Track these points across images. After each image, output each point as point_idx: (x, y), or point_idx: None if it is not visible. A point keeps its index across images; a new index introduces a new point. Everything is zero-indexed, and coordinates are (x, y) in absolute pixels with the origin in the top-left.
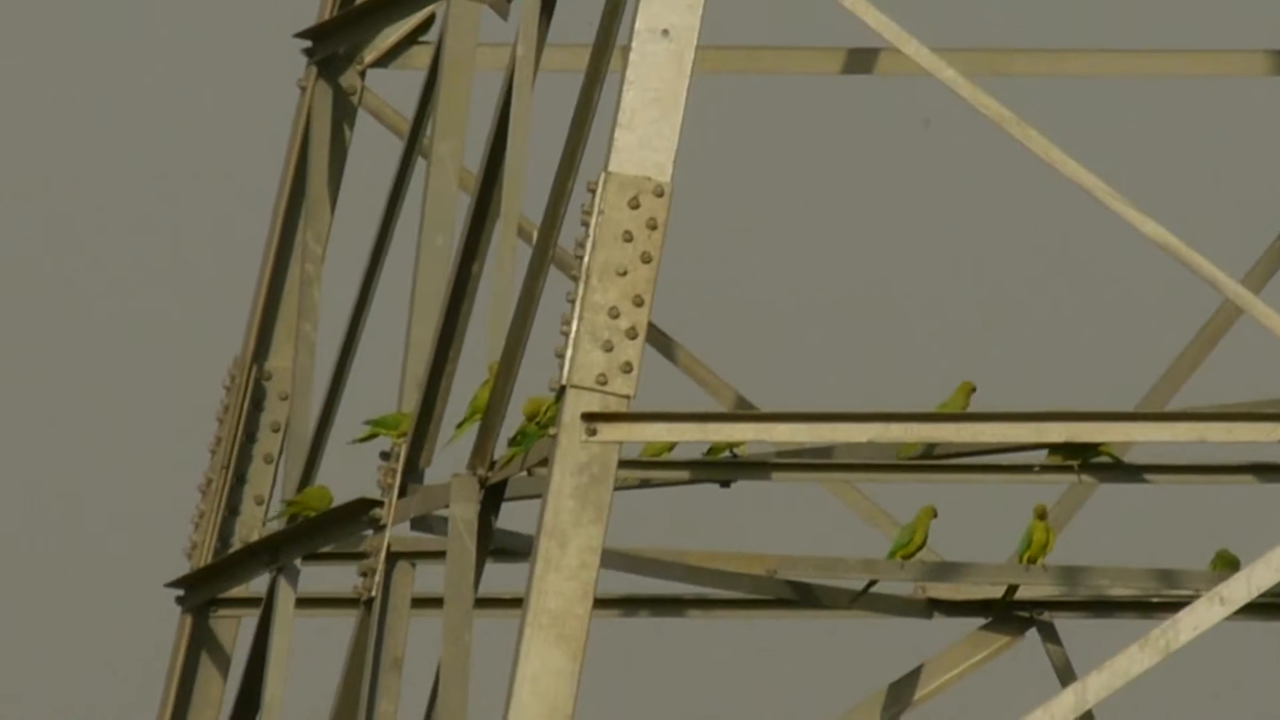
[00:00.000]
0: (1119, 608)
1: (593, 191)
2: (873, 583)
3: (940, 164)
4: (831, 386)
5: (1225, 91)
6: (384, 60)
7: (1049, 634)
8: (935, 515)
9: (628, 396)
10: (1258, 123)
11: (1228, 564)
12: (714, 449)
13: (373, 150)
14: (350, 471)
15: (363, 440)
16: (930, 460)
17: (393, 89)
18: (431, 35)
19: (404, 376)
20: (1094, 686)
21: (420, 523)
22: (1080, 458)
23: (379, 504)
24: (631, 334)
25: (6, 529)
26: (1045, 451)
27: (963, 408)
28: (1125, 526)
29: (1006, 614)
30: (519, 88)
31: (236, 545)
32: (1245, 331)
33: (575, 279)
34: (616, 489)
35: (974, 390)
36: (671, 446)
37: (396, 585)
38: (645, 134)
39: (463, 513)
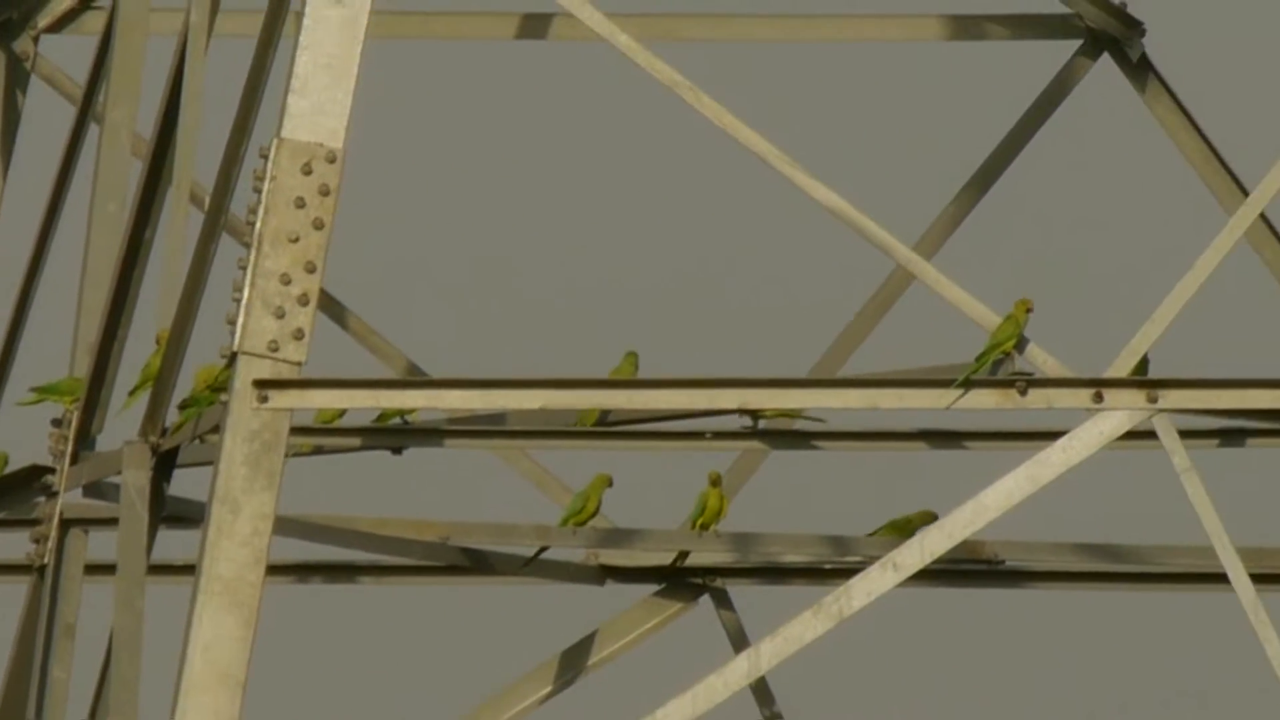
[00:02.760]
0: (792, 574)
1: (265, 158)
2: (544, 549)
3: (614, 130)
4: (503, 354)
5: (899, 57)
6: (57, 26)
7: (722, 600)
8: (610, 484)
9: (299, 363)
10: (931, 88)
11: (897, 529)
12: (385, 415)
13: (46, 116)
14: (22, 438)
15: (31, 404)
16: (603, 427)
17: (66, 55)
18: (105, 0)
19: (75, 342)
20: (767, 653)
21: (92, 489)
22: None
23: (51, 471)
24: (303, 300)
25: None
26: (718, 419)
27: (632, 375)
28: (798, 494)
29: (679, 581)
30: (192, 53)
31: None
32: (917, 298)
33: (247, 245)
34: (289, 456)
35: (638, 360)
36: (343, 413)
37: (69, 552)
38: (318, 100)
39: (135, 479)
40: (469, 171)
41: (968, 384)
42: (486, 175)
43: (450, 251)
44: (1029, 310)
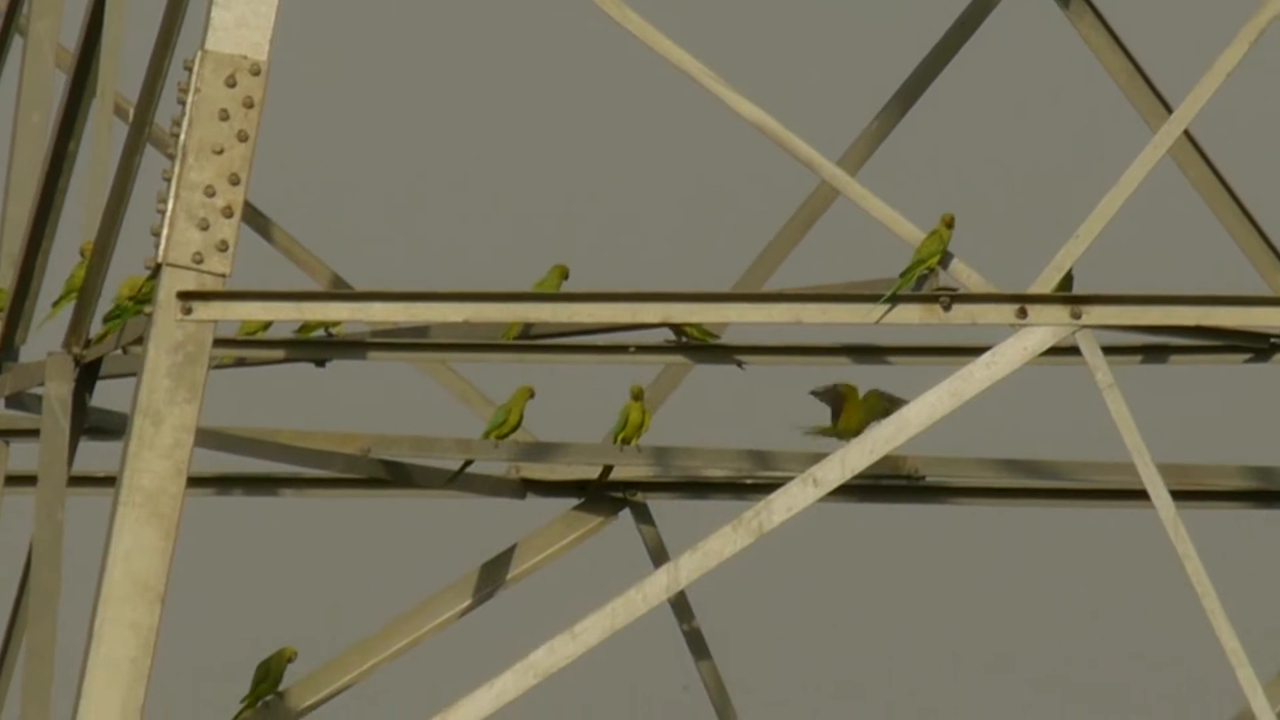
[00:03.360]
0: (713, 489)
1: (189, 70)
2: (468, 463)
3: (539, 46)
4: (428, 267)
5: None
6: None
7: (642, 515)
8: (531, 395)
9: (224, 275)
10: (856, 4)
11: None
12: (308, 327)
13: None
14: None
15: None
16: (525, 341)
17: None
18: None
19: None
20: (687, 567)
21: (14, 400)
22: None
23: None
24: (228, 212)
25: None
26: (641, 332)
27: (556, 289)
28: (720, 408)
29: (600, 494)
30: None
31: None
32: (842, 213)
33: (171, 157)
34: (212, 368)
35: (567, 273)
36: (267, 325)
37: None
38: (242, 12)
39: (57, 391)
40: (394, 84)
41: (893, 299)
42: (411, 88)
43: (375, 164)
44: (951, 225)
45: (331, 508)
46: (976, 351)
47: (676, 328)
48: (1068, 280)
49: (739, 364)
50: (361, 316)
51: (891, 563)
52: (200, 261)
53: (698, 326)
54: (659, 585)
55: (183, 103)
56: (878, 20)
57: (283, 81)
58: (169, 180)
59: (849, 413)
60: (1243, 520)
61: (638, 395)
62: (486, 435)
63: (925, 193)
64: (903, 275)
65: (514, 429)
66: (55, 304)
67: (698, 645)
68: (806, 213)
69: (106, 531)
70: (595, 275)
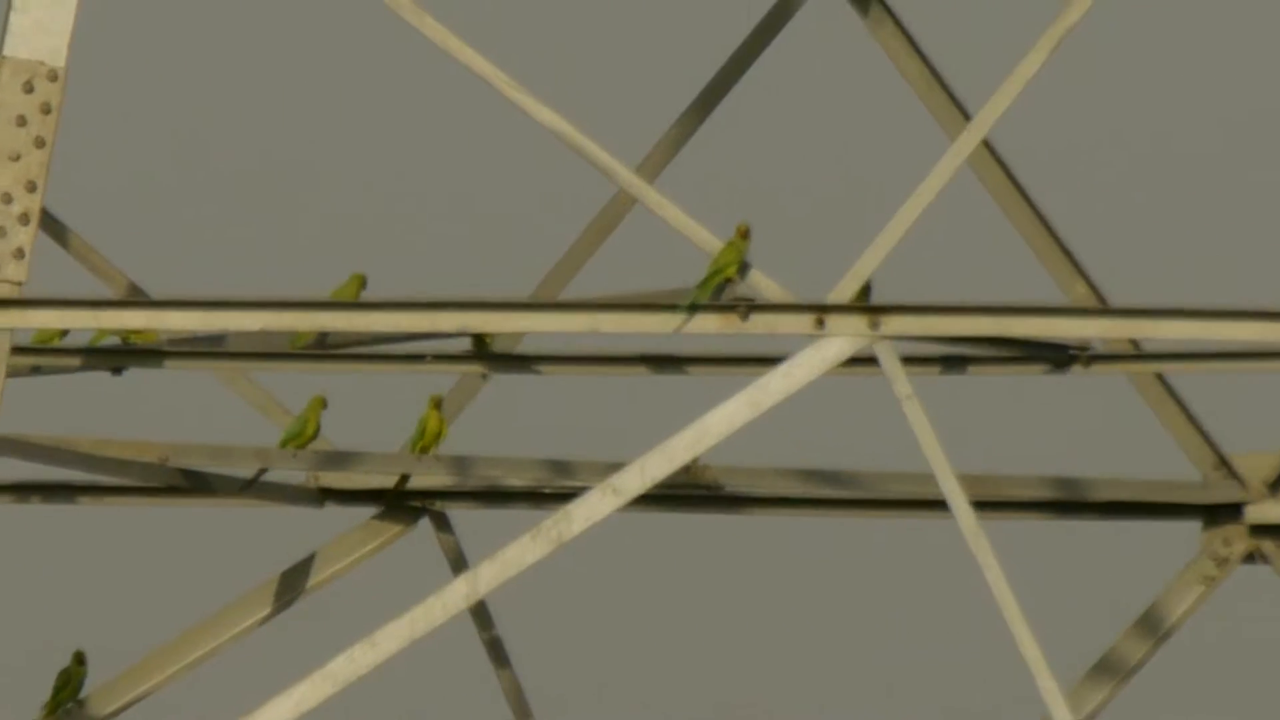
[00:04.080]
0: (512, 498)
1: None
2: (264, 471)
3: (337, 51)
4: (225, 275)
5: None
6: None
7: (441, 524)
8: (325, 405)
9: (20, 283)
10: (654, 9)
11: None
12: (102, 335)
13: None
14: None
15: None
16: (323, 349)
17: None
18: None
19: None
20: (486, 576)
21: None
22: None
23: None
24: (24, 219)
25: None
26: (440, 341)
27: (354, 297)
28: (520, 417)
29: (399, 504)
30: None
31: None
32: (640, 221)
33: None
34: (8, 376)
35: (365, 282)
36: (64, 333)
37: None
38: (40, 17)
39: None
40: (192, 90)
41: (691, 309)
42: (210, 93)
43: (172, 171)
44: (747, 235)
45: (130, 516)
46: (775, 361)
47: (476, 337)
48: (866, 290)
49: (117, 371)
50: (157, 324)
51: (692, 572)
52: None
53: (490, 337)
54: (458, 594)
55: None
56: (676, 27)
57: (81, 87)
58: None
59: None
60: (1043, 530)
61: (436, 404)
62: (284, 444)
63: (723, 201)
64: (700, 285)
65: (312, 438)
66: None
67: (498, 653)
68: (604, 221)
69: None
70: (393, 283)
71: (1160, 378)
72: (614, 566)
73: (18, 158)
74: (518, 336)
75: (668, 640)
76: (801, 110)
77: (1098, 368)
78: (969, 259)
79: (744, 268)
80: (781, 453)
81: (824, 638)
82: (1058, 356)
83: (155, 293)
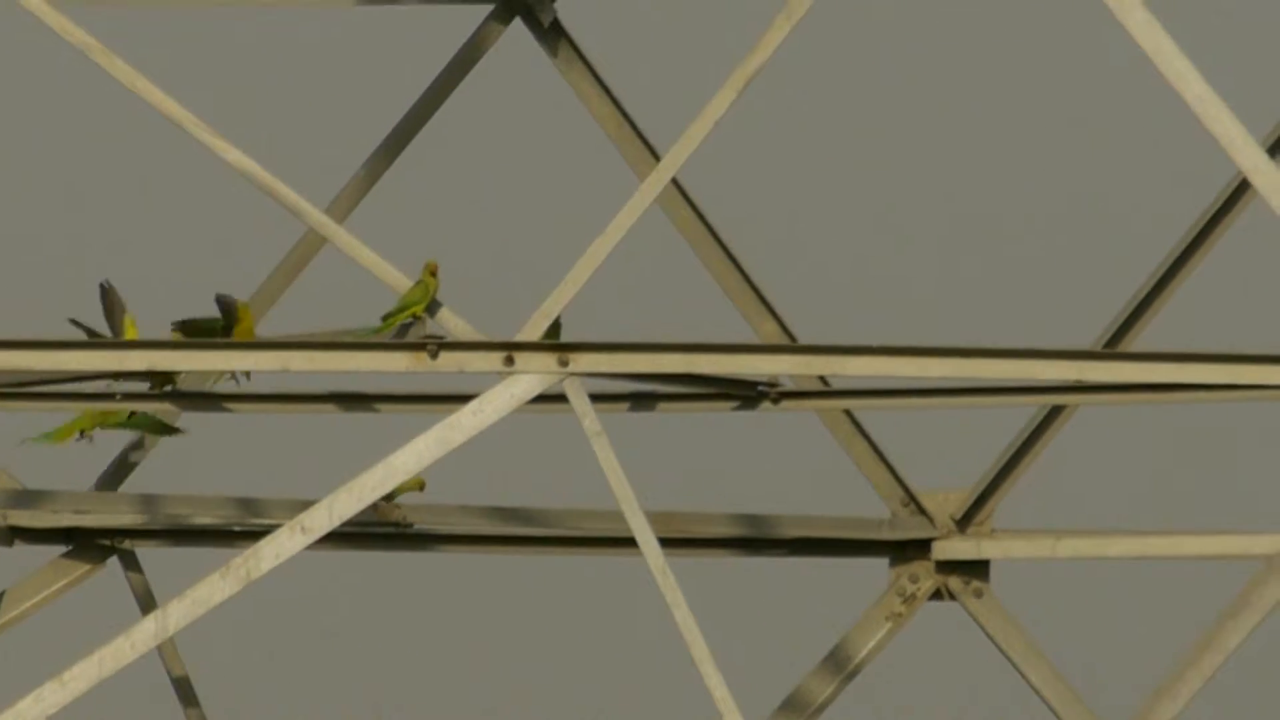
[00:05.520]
0: (202, 536)
1: None
2: None
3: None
4: None
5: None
6: None
7: (130, 562)
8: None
9: None
10: (345, 50)
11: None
12: None
13: None
14: None
15: None
16: (16, 387)
17: None
18: None
19: None
20: (175, 614)
21: None
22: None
23: None
24: None
25: None
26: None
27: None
28: (208, 456)
29: (87, 542)
30: None
31: None
32: (330, 260)
33: None
34: None
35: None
36: None
37: None
38: None
39: None
40: None
41: (375, 346)
42: None
43: None
44: (435, 273)
45: None
46: (466, 399)
47: (161, 375)
48: (556, 328)
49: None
50: None
51: (385, 610)
52: None
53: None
54: (148, 632)
55: None
56: (368, 67)
57: None
58: None
59: (241, 332)
60: (731, 568)
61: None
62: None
63: (413, 241)
64: (385, 320)
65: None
66: None
67: (186, 693)
68: (295, 259)
69: None
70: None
71: (849, 414)
72: (307, 603)
73: None
74: (209, 375)
75: (360, 678)
76: (492, 149)
77: (787, 404)
78: (659, 298)
79: (433, 305)
80: (473, 490)
81: (516, 674)
82: (747, 393)
83: None
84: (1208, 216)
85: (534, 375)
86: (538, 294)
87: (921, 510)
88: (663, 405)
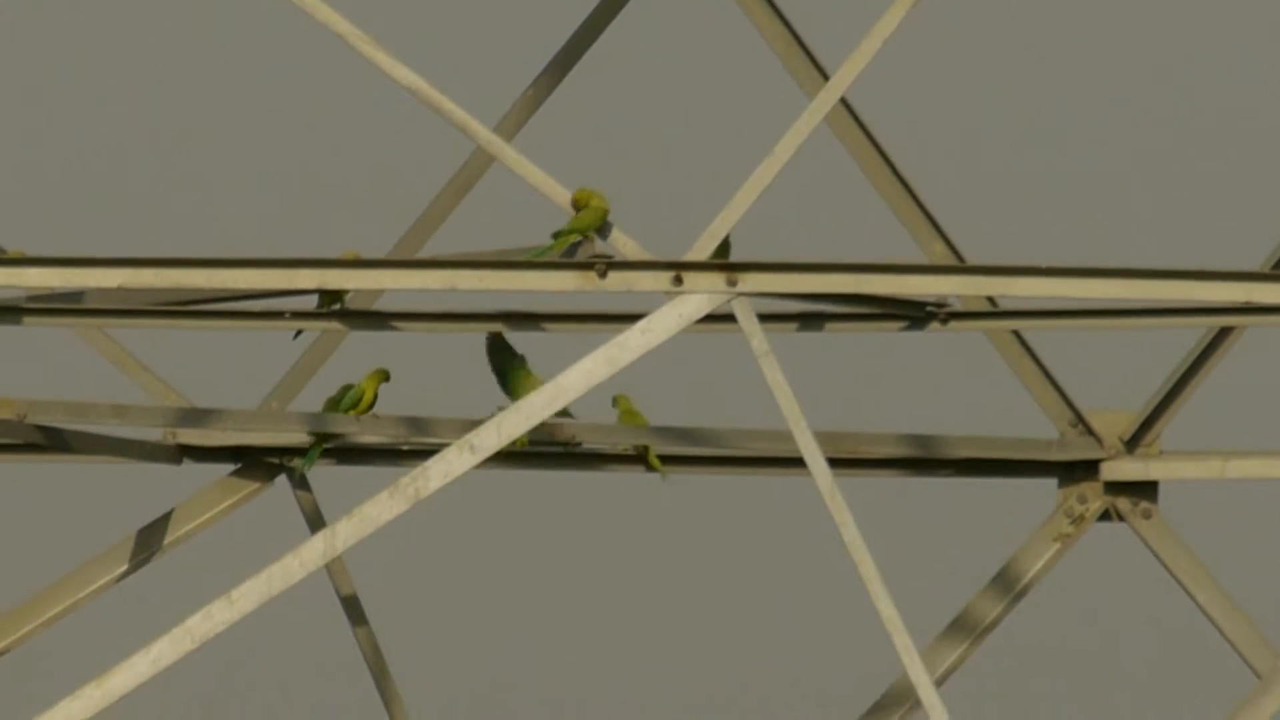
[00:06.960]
0: (370, 455)
1: None
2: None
3: (196, 13)
4: (83, 232)
5: None
6: None
7: (299, 480)
8: (387, 378)
9: None
10: None
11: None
12: None
13: None
14: None
15: None
16: (182, 305)
17: None
18: None
19: None
20: (343, 533)
21: None
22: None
23: None
24: None
25: None
26: (298, 298)
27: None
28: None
29: (256, 460)
30: None
31: None
32: (498, 179)
33: None
34: None
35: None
36: None
37: None
38: None
39: None
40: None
41: (544, 265)
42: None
43: (29, 127)
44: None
45: None
46: (634, 319)
47: (324, 294)
48: (724, 247)
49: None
50: (16, 282)
51: (549, 530)
52: None
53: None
54: (316, 551)
55: None
56: None
57: None
58: None
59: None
60: (899, 488)
61: (383, 378)
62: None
63: (581, 159)
64: (556, 239)
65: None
66: None
67: (354, 611)
68: (462, 179)
69: None
70: (251, 241)
71: (1017, 335)
72: (472, 523)
73: None
74: (375, 294)
75: (527, 598)
76: (659, 68)
77: (955, 325)
78: (827, 218)
79: (604, 227)
80: (640, 409)
81: (680, 595)
82: (915, 314)
83: (12, 249)
84: None
85: (702, 295)
86: (706, 214)
87: (1090, 431)
88: (831, 325)
